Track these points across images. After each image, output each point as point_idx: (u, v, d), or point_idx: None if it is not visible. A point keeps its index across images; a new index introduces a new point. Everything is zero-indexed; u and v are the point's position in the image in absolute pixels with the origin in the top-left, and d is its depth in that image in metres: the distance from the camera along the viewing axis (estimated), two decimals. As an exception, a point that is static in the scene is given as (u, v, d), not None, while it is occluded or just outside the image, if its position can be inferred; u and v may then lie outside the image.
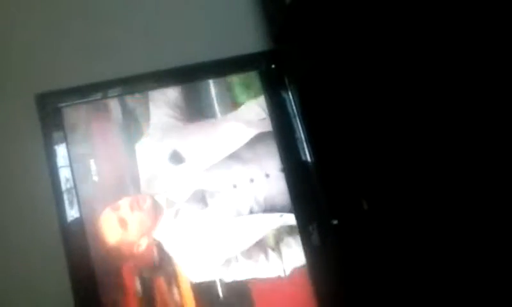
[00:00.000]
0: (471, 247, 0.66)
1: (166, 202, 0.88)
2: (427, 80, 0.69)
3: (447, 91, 0.66)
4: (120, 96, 0.92)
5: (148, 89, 0.93)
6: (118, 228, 0.86)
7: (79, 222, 0.85)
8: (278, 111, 0.95)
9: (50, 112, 0.88)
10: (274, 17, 0.95)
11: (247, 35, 0.98)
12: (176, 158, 0.91)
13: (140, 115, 0.92)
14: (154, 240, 0.87)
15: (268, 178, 0.92)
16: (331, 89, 0.90)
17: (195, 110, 0.94)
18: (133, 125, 0.91)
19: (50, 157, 0.87)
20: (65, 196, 0.86)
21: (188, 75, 0.95)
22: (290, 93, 0.96)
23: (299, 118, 0.95)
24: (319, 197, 0.92)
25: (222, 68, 0.95)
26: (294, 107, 0.96)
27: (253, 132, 0.93)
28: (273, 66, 0.96)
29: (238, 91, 0.96)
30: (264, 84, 0.96)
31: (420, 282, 0.76)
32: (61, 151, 0.87)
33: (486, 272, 0.64)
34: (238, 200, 0.90)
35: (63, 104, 0.89)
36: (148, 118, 0.92)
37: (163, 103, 0.92)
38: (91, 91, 0.91)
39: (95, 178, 0.88)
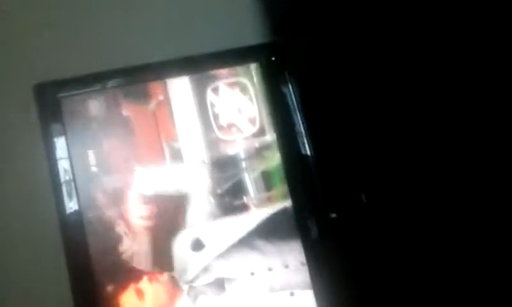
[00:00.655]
0: (471, 243, 0.67)
1: (184, 282, 0.87)
2: (427, 75, 0.69)
3: (447, 84, 0.66)
4: (120, 86, 0.91)
5: (148, 80, 0.92)
6: (135, 299, 0.85)
7: (78, 213, 0.85)
8: (277, 104, 0.95)
9: (49, 102, 0.88)
10: (275, 9, 0.94)
11: (247, 27, 0.98)
12: (198, 245, 0.89)
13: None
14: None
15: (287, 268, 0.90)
16: (331, 82, 0.89)
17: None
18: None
19: (49, 147, 0.87)
20: (64, 188, 0.85)
21: (187, 67, 0.94)
22: (290, 86, 0.96)
23: (299, 111, 0.95)
24: (318, 190, 0.92)
25: (222, 59, 0.95)
26: (293, 100, 0.95)
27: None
28: (273, 58, 0.96)
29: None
30: (263, 77, 0.95)
31: (419, 276, 0.76)
32: (59, 142, 0.87)
33: (486, 268, 0.64)
34: (255, 287, 0.89)
35: (62, 94, 0.89)
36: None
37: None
38: (90, 81, 0.90)
39: (94, 169, 0.87)
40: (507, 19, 0.54)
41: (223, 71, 0.94)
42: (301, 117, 0.95)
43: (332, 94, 0.89)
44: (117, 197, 0.86)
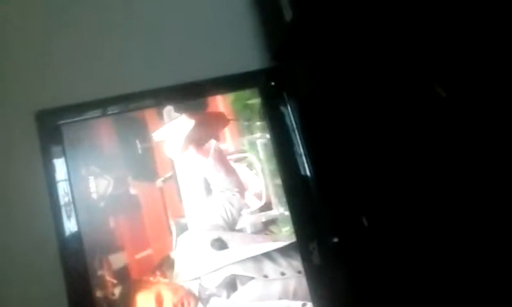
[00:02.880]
0: (473, 265, 0.66)
1: (198, 289, 0.87)
2: (428, 103, 0.69)
3: (449, 115, 0.66)
4: (119, 113, 0.92)
5: (147, 106, 0.93)
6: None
7: (77, 235, 0.84)
8: (277, 128, 0.95)
9: (50, 129, 0.88)
10: (274, 34, 0.95)
11: (246, 52, 0.99)
12: (220, 244, 0.90)
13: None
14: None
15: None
16: (331, 107, 0.90)
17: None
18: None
19: (49, 173, 0.87)
20: (63, 211, 0.85)
21: (187, 93, 0.95)
22: (289, 110, 0.96)
23: (299, 135, 0.95)
24: (319, 214, 0.92)
25: (221, 85, 0.95)
26: (293, 124, 0.95)
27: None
28: (272, 83, 0.96)
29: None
30: (263, 102, 0.95)
31: (421, 298, 0.75)
32: (60, 168, 0.87)
33: (487, 290, 0.64)
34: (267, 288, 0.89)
35: (62, 121, 0.89)
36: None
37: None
38: (90, 108, 0.91)
39: (94, 196, 0.87)
40: (507, 19, 0.54)
41: (230, 147, 0.95)
42: (300, 140, 0.95)
43: (332, 117, 0.90)
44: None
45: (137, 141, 0.91)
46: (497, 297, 0.63)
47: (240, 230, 0.91)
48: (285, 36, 0.91)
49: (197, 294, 0.87)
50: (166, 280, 0.86)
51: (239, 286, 0.88)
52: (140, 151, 0.91)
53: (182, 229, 0.89)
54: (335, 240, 0.90)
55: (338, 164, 0.89)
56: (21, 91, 0.91)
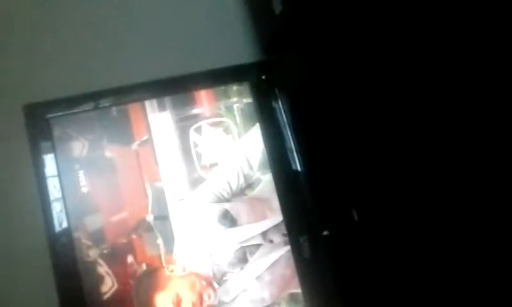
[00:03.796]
0: (462, 257, 0.66)
1: (212, 269, 0.88)
2: (418, 94, 0.69)
3: (437, 105, 0.66)
4: (110, 106, 0.91)
5: (139, 100, 0.92)
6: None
7: (67, 231, 0.84)
8: (268, 122, 0.95)
9: (39, 123, 0.87)
10: (264, 28, 0.95)
11: (237, 46, 0.99)
12: (230, 220, 0.90)
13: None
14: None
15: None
16: (322, 100, 0.90)
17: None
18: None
19: (38, 167, 0.86)
20: (53, 206, 0.85)
21: (178, 86, 0.94)
22: (280, 104, 0.96)
23: (289, 129, 0.95)
24: (310, 208, 0.92)
25: (212, 78, 0.95)
26: (284, 118, 0.95)
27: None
28: (263, 77, 0.96)
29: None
30: (254, 95, 0.95)
31: (412, 292, 0.75)
32: (49, 162, 0.86)
33: (478, 280, 0.64)
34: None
35: (51, 115, 0.88)
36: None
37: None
38: (80, 102, 0.90)
39: (84, 190, 0.87)
40: (507, 19, 0.54)
41: (206, 111, 0.95)
42: (292, 134, 0.95)
43: (322, 110, 0.90)
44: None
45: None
46: (487, 291, 0.63)
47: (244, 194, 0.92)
48: (275, 29, 0.90)
49: (212, 276, 0.87)
50: (180, 272, 0.86)
51: (249, 257, 0.89)
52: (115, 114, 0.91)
53: (158, 192, 0.89)
54: (325, 233, 0.90)
55: (329, 158, 0.89)
56: (9, 84, 0.90)
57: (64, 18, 0.95)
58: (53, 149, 0.87)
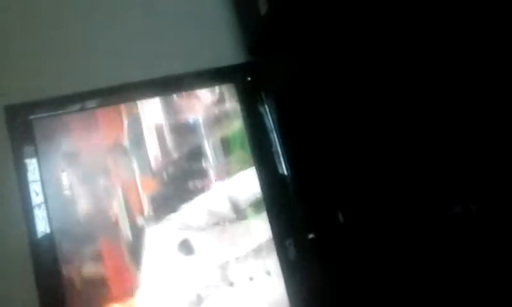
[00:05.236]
0: (451, 260, 0.66)
1: None
2: (404, 98, 0.69)
3: (425, 107, 0.66)
4: (92, 108, 0.90)
5: (120, 102, 0.91)
6: None
7: (49, 237, 0.82)
8: (254, 124, 0.94)
9: (20, 124, 0.86)
10: (249, 29, 0.94)
11: (222, 47, 0.98)
12: (187, 249, 0.88)
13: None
14: None
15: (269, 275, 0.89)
16: (308, 102, 0.89)
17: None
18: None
19: (20, 170, 0.84)
20: (35, 211, 0.83)
21: (162, 87, 0.93)
22: (266, 106, 0.95)
23: (275, 131, 0.94)
24: (296, 211, 0.91)
25: (197, 79, 0.94)
26: (270, 120, 0.95)
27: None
28: (249, 78, 0.95)
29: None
30: (239, 97, 0.94)
31: (399, 294, 0.75)
32: (31, 164, 0.85)
33: (466, 281, 0.64)
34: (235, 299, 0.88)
35: (33, 116, 0.87)
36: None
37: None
38: (63, 103, 0.89)
39: (67, 192, 0.86)
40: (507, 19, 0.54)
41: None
42: (278, 137, 0.94)
43: (309, 112, 0.89)
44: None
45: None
46: (475, 294, 0.63)
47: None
48: (260, 30, 0.90)
49: None
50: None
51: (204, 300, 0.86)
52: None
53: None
54: (311, 236, 0.90)
55: (315, 160, 0.89)
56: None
57: (47, 17, 0.94)
58: (36, 153, 0.85)
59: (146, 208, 0.88)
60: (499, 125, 0.61)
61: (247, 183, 0.92)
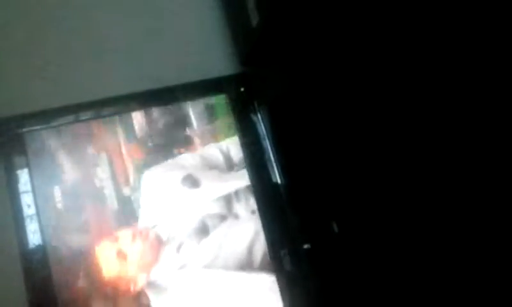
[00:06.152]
0: (446, 269, 0.66)
1: (168, 235, 0.86)
2: (398, 107, 0.69)
3: (419, 117, 0.66)
4: (83, 121, 0.90)
5: (113, 114, 0.91)
6: (116, 261, 0.83)
7: (42, 249, 0.82)
8: (247, 135, 0.95)
9: (12, 137, 0.86)
10: (241, 40, 0.95)
11: (214, 58, 0.98)
12: (192, 182, 0.89)
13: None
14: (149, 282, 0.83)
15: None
16: (301, 112, 0.89)
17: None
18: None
19: (12, 183, 0.84)
20: (27, 223, 0.83)
21: (156, 98, 0.94)
22: (259, 116, 0.95)
23: (269, 141, 0.95)
24: (290, 221, 0.91)
25: (190, 91, 0.95)
26: (264, 130, 0.95)
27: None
28: (242, 89, 0.96)
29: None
30: (232, 108, 0.95)
31: (394, 304, 0.75)
32: (22, 177, 0.85)
33: (465, 291, 0.64)
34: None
35: (25, 129, 0.87)
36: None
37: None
38: (54, 116, 0.89)
39: (59, 206, 0.85)
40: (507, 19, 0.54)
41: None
42: (271, 147, 0.94)
43: (302, 124, 0.89)
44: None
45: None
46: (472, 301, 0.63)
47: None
48: (252, 41, 0.90)
49: (164, 239, 0.86)
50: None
51: (210, 230, 0.88)
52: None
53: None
54: (306, 246, 0.89)
55: (309, 170, 0.89)
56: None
57: (41, 28, 0.94)
58: (27, 165, 0.85)
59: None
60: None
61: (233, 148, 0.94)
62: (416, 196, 0.69)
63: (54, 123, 0.89)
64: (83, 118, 0.90)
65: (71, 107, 0.89)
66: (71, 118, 0.89)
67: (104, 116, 0.91)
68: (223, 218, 0.89)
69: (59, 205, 0.85)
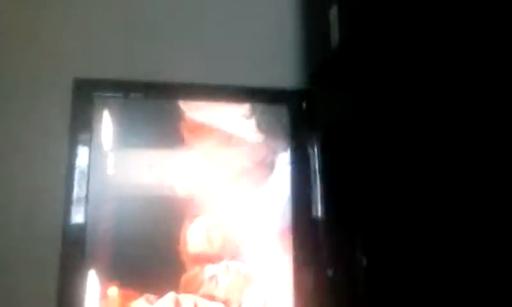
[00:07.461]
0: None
1: None
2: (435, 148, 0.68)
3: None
4: (155, 100, 0.95)
5: (180, 98, 0.95)
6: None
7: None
8: (298, 152, 0.97)
9: (84, 99, 0.91)
10: (316, 56, 0.94)
11: (281, 68, 0.99)
12: None
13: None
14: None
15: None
16: (354, 140, 0.88)
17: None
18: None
19: (72, 143, 0.90)
20: (76, 185, 0.89)
21: (222, 94, 0.96)
22: (313, 137, 0.96)
23: (317, 169, 0.95)
24: (320, 245, 0.92)
25: (255, 95, 0.97)
26: (315, 153, 0.95)
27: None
28: (304, 105, 0.96)
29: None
30: (291, 121, 0.96)
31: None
32: (83, 139, 0.91)
33: None
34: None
35: (97, 93, 0.92)
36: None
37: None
38: (128, 87, 0.94)
39: (110, 172, 0.90)
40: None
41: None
42: (318, 172, 0.95)
43: (351, 155, 0.88)
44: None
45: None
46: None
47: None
48: (327, 60, 0.90)
49: None
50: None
51: None
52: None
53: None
54: (330, 273, 0.90)
55: (349, 201, 0.88)
56: (62, 57, 0.94)
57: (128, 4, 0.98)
58: (90, 128, 0.90)
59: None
60: None
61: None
62: (444, 239, 0.69)
63: (125, 94, 0.95)
64: (151, 96, 0.95)
65: (145, 84, 0.95)
66: (138, 93, 0.95)
67: (169, 99, 0.95)
68: None
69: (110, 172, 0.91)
